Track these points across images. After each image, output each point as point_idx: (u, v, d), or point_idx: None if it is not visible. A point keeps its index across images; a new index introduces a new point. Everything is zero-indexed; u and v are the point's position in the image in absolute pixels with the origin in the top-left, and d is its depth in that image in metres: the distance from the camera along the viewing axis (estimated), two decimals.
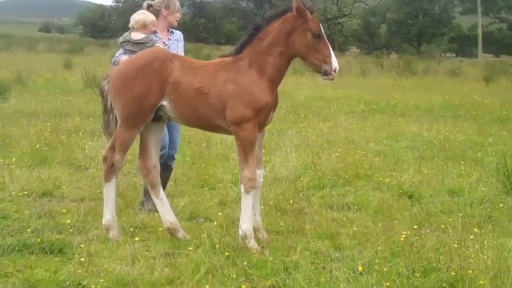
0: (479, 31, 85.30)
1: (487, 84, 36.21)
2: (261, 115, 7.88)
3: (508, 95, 28.59)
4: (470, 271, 6.70)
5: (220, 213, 9.18)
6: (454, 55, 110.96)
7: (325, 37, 7.94)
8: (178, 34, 9.84)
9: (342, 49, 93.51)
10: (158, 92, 7.89)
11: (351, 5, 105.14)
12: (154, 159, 8.36)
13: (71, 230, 8.32)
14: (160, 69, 7.90)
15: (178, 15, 9.76)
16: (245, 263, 7.13)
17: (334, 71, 7.83)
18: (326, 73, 7.85)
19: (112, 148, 8.11)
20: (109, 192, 8.24)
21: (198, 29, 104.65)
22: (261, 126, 8.03)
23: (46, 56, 48.11)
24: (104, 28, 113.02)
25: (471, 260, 6.94)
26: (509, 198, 10.58)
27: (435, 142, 15.84)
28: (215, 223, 8.67)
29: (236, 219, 8.71)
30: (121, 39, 9.28)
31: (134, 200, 9.84)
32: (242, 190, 7.91)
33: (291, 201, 9.93)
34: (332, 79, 7.98)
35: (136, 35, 9.14)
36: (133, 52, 8.86)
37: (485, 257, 7.03)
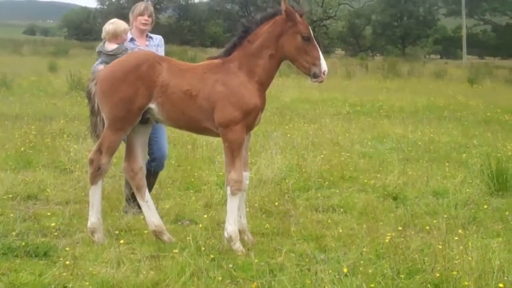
0: (464, 33, 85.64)
1: (471, 85, 36.37)
2: (250, 117, 7.90)
3: (493, 97, 28.74)
4: (455, 272, 6.74)
5: (205, 216, 9.18)
6: (438, 56, 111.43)
7: (314, 40, 8.00)
8: (158, 38, 9.73)
9: (327, 51, 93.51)
10: (145, 95, 7.88)
11: (336, 7, 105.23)
12: (140, 162, 8.36)
13: (56, 233, 8.31)
14: (148, 72, 7.88)
15: (142, 18, 9.53)
16: (230, 265, 7.13)
17: (323, 73, 7.91)
18: (315, 76, 7.93)
19: (99, 151, 8.09)
20: (95, 195, 8.21)
21: (183, 32, 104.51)
22: (249, 128, 8.06)
23: (31, 59, 47.95)
24: (89, 31, 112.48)
25: (456, 261, 6.98)
26: (493, 200, 10.65)
27: (419, 143, 15.90)
28: (200, 225, 8.66)
29: (221, 222, 8.74)
30: (97, 48, 9.23)
31: (119, 203, 9.82)
32: (228, 192, 7.91)
33: (276, 203, 9.93)
34: (321, 82, 8.06)
35: (109, 46, 9.05)
36: (107, 63, 8.77)
37: (470, 258, 7.07)
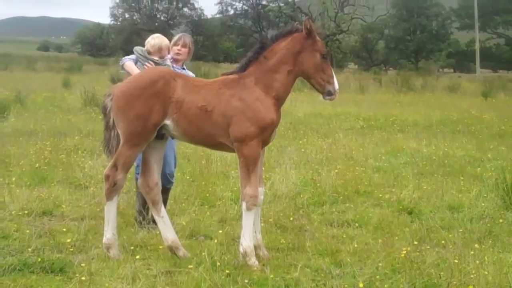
0: (477, 47, 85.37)
1: (485, 99, 36.27)
2: (266, 133, 7.91)
3: (507, 110, 28.64)
4: (471, 287, 6.72)
5: (220, 231, 9.17)
6: (452, 70, 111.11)
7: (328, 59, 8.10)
8: (190, 74, 9.77)
9: (340, 65, 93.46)
10: (160, 111, 7.90)
11: (349, 22, 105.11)
12: (156, 177, 8.37)
13: (71, 249, 8.32)
14: (163, 89, 7.90)
15: (176, 48, 9.73)
16: (246, 281, 7.12)
17: (336, 92, 8.06)
18: (329, 93, 8.07)
19: (114, 167, 8.10)
20: (110, 211, 8.23)
21: (196, 47, 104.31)
22: (264, 143, 8.06)
23: (45, 75, 48.15)
24: (102, 47, 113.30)
25: (472, 276, 6.97)
26: (509, 213, 10.59)
27: (434, 157, 15.85)
28: (215, 241, 8.68)
29: (236, 237, 8.72)
30: (138, 49, 9.41)
31: (134, 218, 9.83)
32: (244, 207, 7.90)
33: (291, 218, 9.93)
34: (332, 100, 8.19)
35: (153, 56, 9.32)
36: (142, 65, 9.15)
37: (486, 272, 7.06)
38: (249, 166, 7.84)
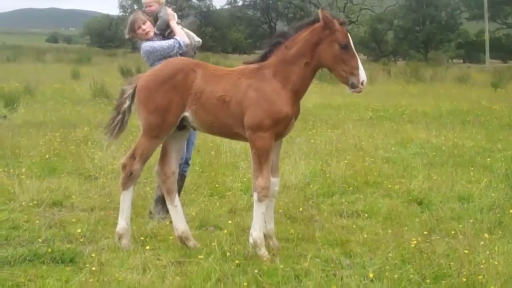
0: (486, 37, 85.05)
1: (495, 90, 36.09)
2: (279, 126, 7.84)
3: None
4: (481, 277, 6.72)
5: (230, 221, 9.20)
6: (461, 61, 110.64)
7: (353, 49, 7.81)
8: (185, 31, 9.75)
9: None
10: (180, 104, 7.93)
11: (358, 12, 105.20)
12: (173, 166, 8.39)
13: (81, 240, 8.36)
14: (182, 82, 7.92)
15: (141, 31, 9.58)
16: (255, 271, 7.13)
17: (362, 83, 7.73)
18: (353, 86, 7.76)
19: (132, 156, 8.14)
20: (126, 200, 8.26)
21: (205, 38, 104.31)
22: (279, 136, 8.01)
23: (54, 66, 48.23)
24: (111, 38, 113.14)
25: (482, 266, 6.96)
26: None
27: (443, 148, 15.81)
28: (225, 231, 8.69)
29: (246, 227, 8.74)
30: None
31: (144, 209, 9.86)
32: (255, 198, 7.88)
33: (300, 209, 9.94)
34: (359, 92, 7.85)
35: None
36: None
37: (496, 262, 7.05)
38: (261, 157, 7.80)
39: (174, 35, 9.41)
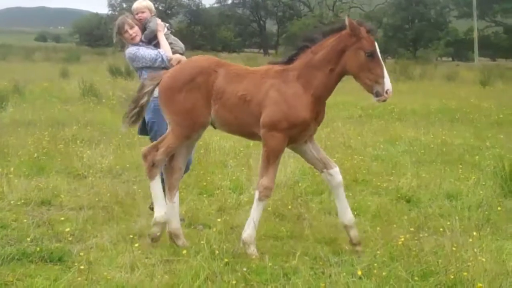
0: (475, 35, 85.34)
1: (483, 87, 36.22)
2: (295, 130, 7.78)
3: (505, 99, 28.59)
4: (466, 273, 6.74)
5: (219, 220, 9.19)
6: (450, 59, 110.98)
7: (379, 57, 7.72)
8: (171, 39, 9.74)
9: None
10: (205, 104, 7.93)
11: (347, 11, 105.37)
12: (181, 162, 8.40)
13: (70, 239, 8.34)
14: (204, 83, 7.91)
15: (127, 34, 9.60)
16: (244, 269, 7.12)
17: (386, 92, 7.69)
18: (377, 94, 7.73)
19: (155, 148, 8.15)
20: (156, 188, 8.26)
21: (195, 37, 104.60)
22: (293, 140, 7.95)
23: (43, 65, 48.08)
24: (100, 37, 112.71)
25: (470, 263, 6.98)
26: (507, 201, 10.62)
27: (432, 146, 15.85)
28: (214, 229, 8.71)
29: (235, 226, 8.82)
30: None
31: (133, 208, 9.84)
32: (256, 196, 7.86)
33: (289, 207, 9.95)
34: (384, 101, 7.84)
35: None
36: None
37: (483, 259, 7.07)
38: (270, 158, 7.78)
39: (160, 47, 9.38)
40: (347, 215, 8.20)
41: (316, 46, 7.90)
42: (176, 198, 8.40)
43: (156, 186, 8.25)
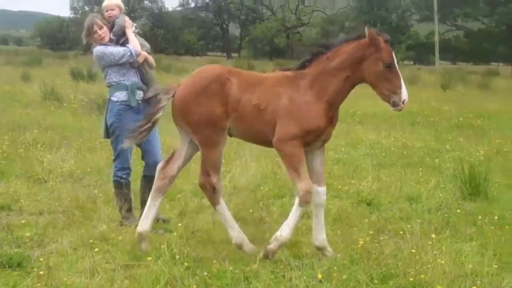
0: (436, 39, 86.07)
1: (444, 91, 36.59)
2: (309, 136, 7.77)
3: (465, 102, 28.92)
4: (427, 276, 6.79)
5: (180, 224, 9.15)
6: (412, 62, 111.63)
7: (397, 67, 7.75)
8: (140, 40, 9.76)
9: (301, 58, 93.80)
10: (222, 111, 7.88)
11: (310, 14, 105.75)
12: (175, 170, 8.37)
13: (29, 244, 8.27)
14: (219, 91, 7.87)
15: (97, 35, 9.59)
16: (205, 273, 7.13)
17: (403, 102, 7.70)
18: (394, 104, 7.74)
19: (206, 173, 8.10)
20: (224, 213, 8.29)
21: (158, 40, 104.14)
22: (308, 144, 7.92)
23: (4, 69, 47.50)
24: (62, 40, 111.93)
25: (429, 266, 7.03)
26: (466, 204, 10.74)
27: (393, 149, 15.98)
28: (175, 233, 8.69)
29: (196, 230, 8.83)
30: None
31: (94, 212, 9.78)
32: (297, 202, 7.80)
33: (251, 211, 9.96)
34: (400, 110, 7.86)
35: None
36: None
37: (443, 262, 7.13)
38: (294, 163, 7.76)
39: (128, 43, 9.38)
40: (320, 237, 8.15)
41: (332, 52, 7.91)
42: (158, 202, 8.41)
43: (223, 210, 8.30)
